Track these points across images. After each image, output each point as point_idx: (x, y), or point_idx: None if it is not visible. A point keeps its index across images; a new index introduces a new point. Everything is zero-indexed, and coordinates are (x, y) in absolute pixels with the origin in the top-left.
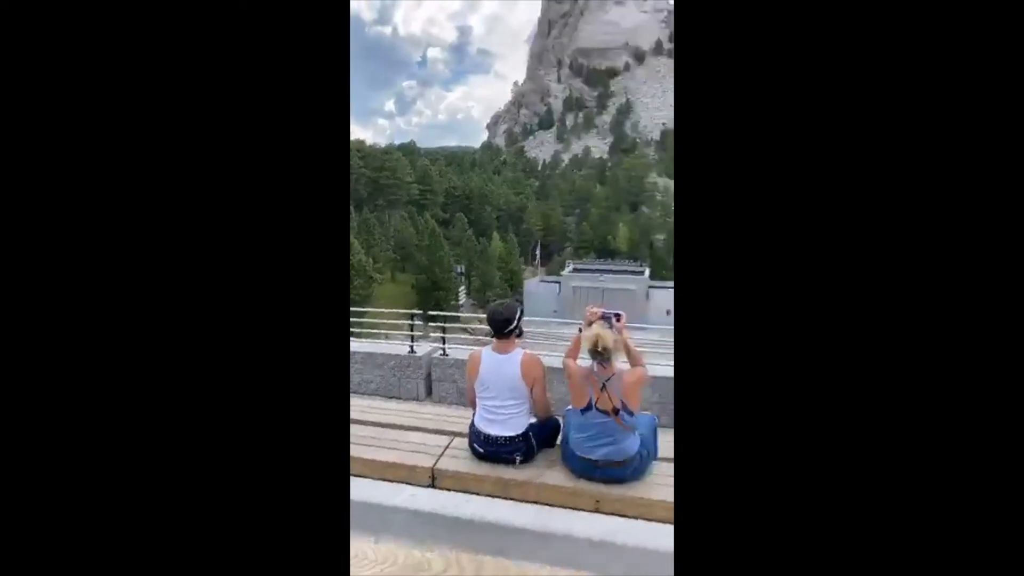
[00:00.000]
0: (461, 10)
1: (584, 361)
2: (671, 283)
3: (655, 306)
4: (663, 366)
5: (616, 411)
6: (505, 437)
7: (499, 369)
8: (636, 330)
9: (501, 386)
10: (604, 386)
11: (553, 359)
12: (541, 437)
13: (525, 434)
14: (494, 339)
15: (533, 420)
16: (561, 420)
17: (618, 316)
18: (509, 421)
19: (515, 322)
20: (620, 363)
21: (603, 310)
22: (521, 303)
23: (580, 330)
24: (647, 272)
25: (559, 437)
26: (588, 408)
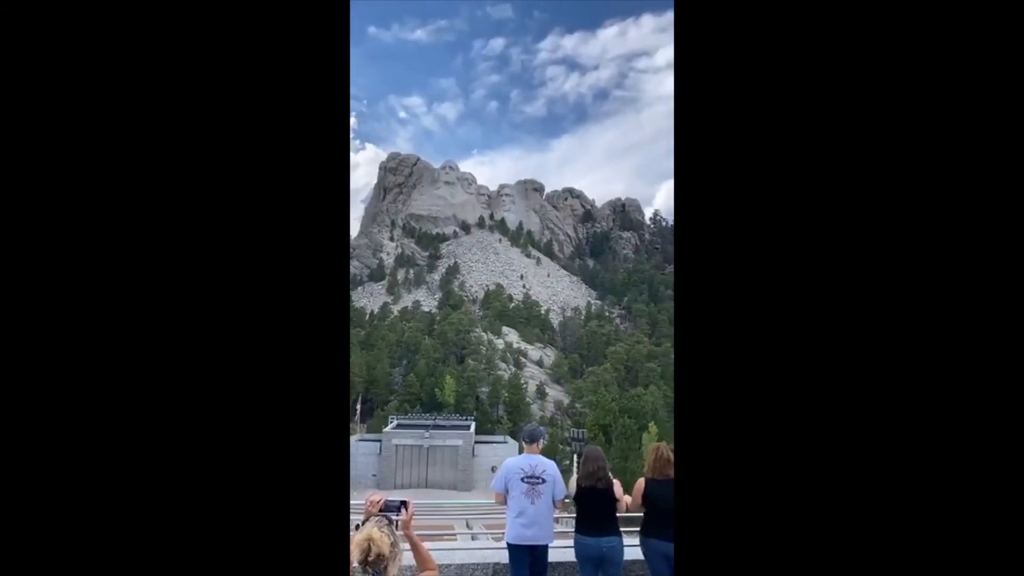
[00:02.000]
0: None
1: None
2: (498, 438)
3: (481, 463)
4: (479, 548)
5: None
6: None
7: None
8: (461, 496)
9: None
10: None
11: None
12: None
13: None
14: None
15: None
16: None
17: (404, 505)
18: None
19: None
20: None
21: (386, 498)
22: None
23: (357, 527)
24: (473, 427)
25: None
26: None
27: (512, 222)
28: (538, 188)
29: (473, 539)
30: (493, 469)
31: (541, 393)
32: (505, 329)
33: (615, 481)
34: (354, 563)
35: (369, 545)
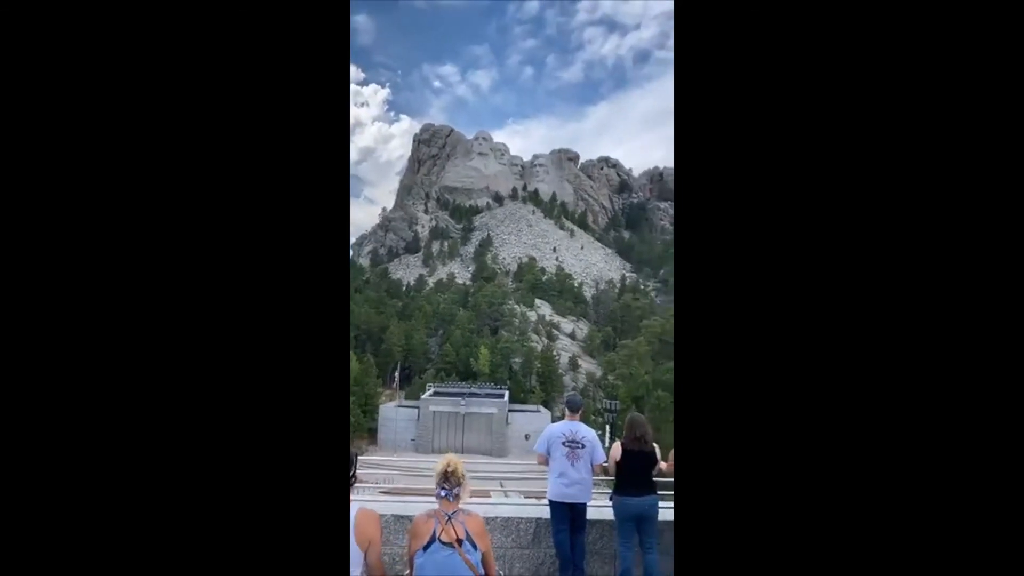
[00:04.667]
0: None
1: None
2: (531, 407)
3: (514, 431)
4: (522, 504)
5: (460, 542)
6: None
7: None
8: (495, 461)
9: None
10: (449, 518)
11: (405, 506)
12: None
13: None
14: None
15: None
16: None
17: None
18: None
19: (352, 473)
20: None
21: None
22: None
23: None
24: (507, 395)
25: None
26: (431, 542)
27: (545, 193)
28: (572, 157)
29: (507, 497)
30: (527, 437)
31: (574, 365)
32: (538, 302)
33: (655, 446)
34: (436, 478)
35: (448, 462)
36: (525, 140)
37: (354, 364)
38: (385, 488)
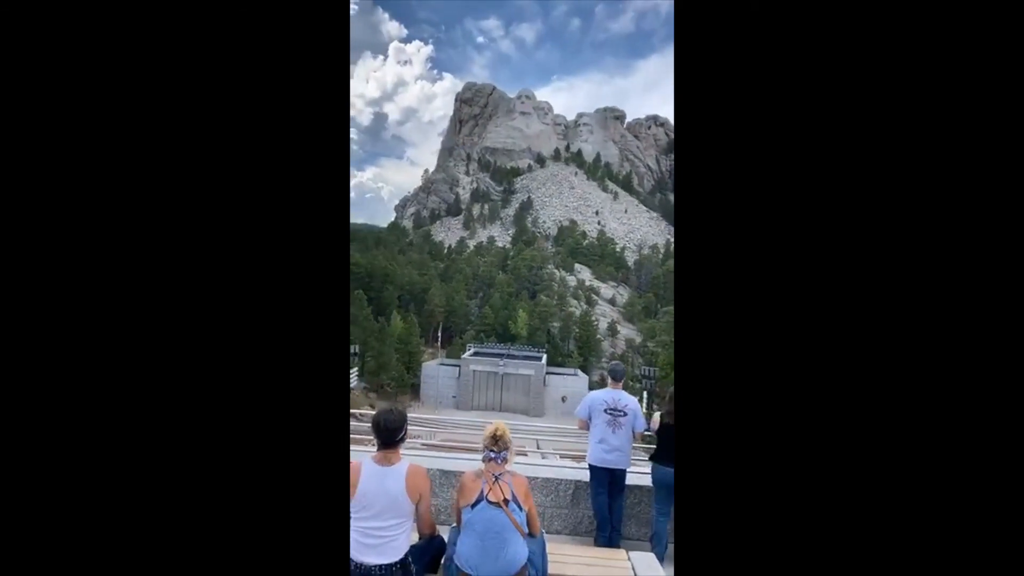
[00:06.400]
0: (378, 99)
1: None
2: (568, 370)
3: (551, 393)
4: (561, 467)
5: (506, 501)
6: (381, 566)
7: (382, 483)
8: (532, 420)
9: (383, 503)
10: (496, 479)
11: (448, 461)
12: (423, 562)
13: (404, 561)
14: (377, 450)
15: (413, 542)
16: (446, 537)
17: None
18: (388, 545)
19: (403, 431)
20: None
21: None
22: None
23: None
24: (544, 358)
25: (443, 559)
26: (478, 501)
27: (589, 154)
28: (619, 116)
29: (543, 457)
30: (564, 399)
31: (613, 331)
32: (578, 266)
33: None
34: (484, 442)
35: (496, 427)
36: (570, 97)
37: (399, 323)
38: (427, 442)
